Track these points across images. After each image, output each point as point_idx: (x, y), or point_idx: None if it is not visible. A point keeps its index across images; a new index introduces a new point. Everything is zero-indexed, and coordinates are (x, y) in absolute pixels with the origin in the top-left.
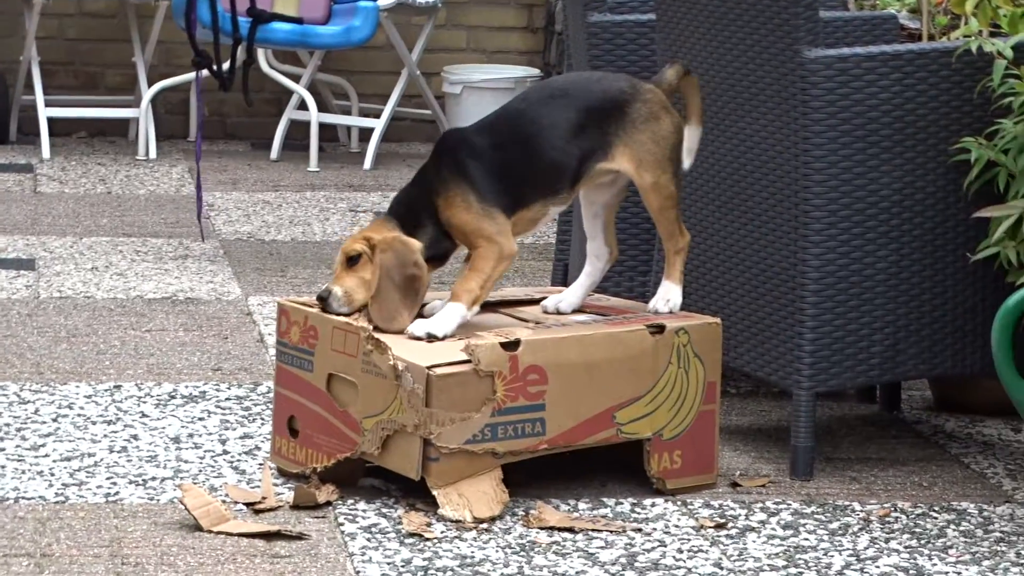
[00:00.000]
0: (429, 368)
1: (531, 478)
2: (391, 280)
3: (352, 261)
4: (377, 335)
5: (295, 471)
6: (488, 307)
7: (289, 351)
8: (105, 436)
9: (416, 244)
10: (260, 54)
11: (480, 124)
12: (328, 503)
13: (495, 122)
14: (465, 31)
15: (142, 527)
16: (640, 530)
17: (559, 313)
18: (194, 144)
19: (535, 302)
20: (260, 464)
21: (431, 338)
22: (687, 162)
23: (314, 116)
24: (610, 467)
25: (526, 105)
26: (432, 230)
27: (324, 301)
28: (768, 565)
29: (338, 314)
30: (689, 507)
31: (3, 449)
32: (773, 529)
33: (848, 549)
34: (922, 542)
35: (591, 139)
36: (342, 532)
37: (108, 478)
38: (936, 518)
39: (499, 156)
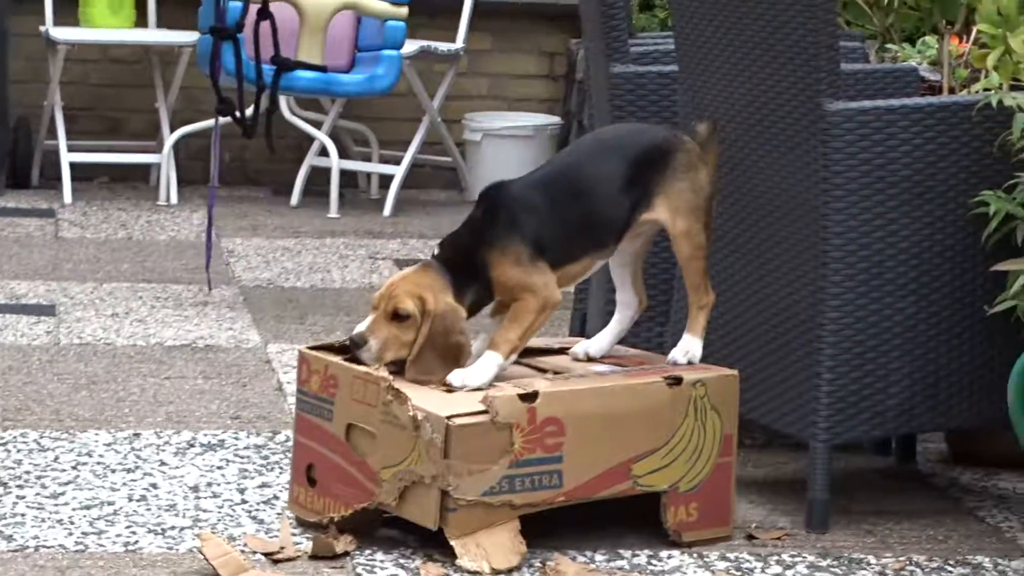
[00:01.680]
0: (448, 418)
1: (548, 529)
2: (434, 347)
3: (398, 316)
4: (397, 385)
5: (313, 520)
6: None
7: (309, 399)
8: (124, 484)
9: (462, 312)
10: (282, 100)
11: (534, 179)
12: (346, 553)
13: (549, 177)
14: (487, 79)
15: None
16: None
17: (589, 359)
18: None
19: (555, 352)
20: (278, 513)
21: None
22: None
23: (335, 162)
24: (627, 518)
25: (581, 159)
26: (479, 286)
27: (356, 347)
28: None
29: (360, 362)
30: (705, 559)
31: (23, 497)
32: None
33: None
34: None
35: (638, 191)
36: None
37: (127, 527)
38: (951, 572)
39: (555, 213)
